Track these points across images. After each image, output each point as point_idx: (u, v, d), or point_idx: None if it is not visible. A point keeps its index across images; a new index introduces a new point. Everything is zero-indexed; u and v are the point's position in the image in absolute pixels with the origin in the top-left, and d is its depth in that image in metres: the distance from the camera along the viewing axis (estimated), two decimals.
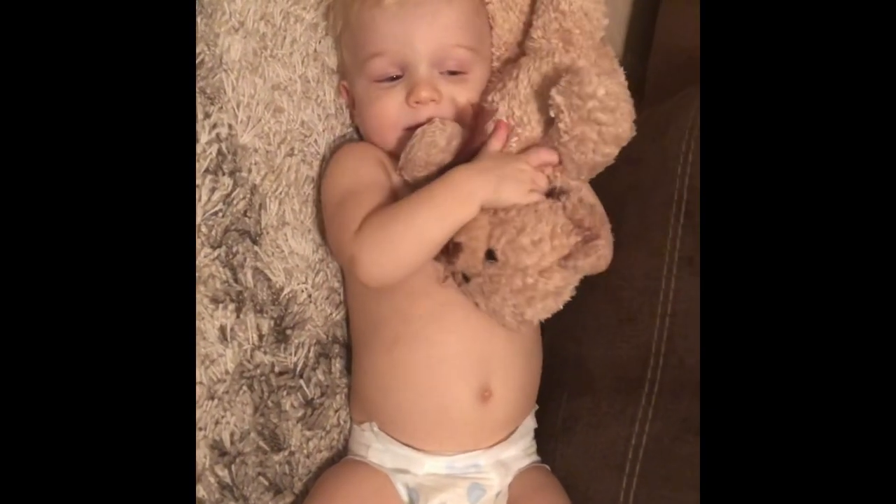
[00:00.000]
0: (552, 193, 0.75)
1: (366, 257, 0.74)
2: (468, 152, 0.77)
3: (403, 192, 0.80)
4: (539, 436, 0.86)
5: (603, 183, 0.79)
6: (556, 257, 0.73)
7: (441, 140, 0.76)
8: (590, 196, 0.77)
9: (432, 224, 0.73)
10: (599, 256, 0.72)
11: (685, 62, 1.01)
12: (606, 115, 0.70)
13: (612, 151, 0.73)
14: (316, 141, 0.85)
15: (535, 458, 0.84)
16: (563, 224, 0.73)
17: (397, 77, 0.81)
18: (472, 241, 0.73)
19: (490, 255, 0.73)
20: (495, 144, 0.76)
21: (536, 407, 0.86)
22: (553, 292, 0.74)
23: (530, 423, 0.85)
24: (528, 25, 0.81)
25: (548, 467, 0.84)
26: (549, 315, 0.77)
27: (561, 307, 0.76)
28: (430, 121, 0.78)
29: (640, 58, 1.10)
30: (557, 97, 0.71)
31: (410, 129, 0.79)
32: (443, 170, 0.77)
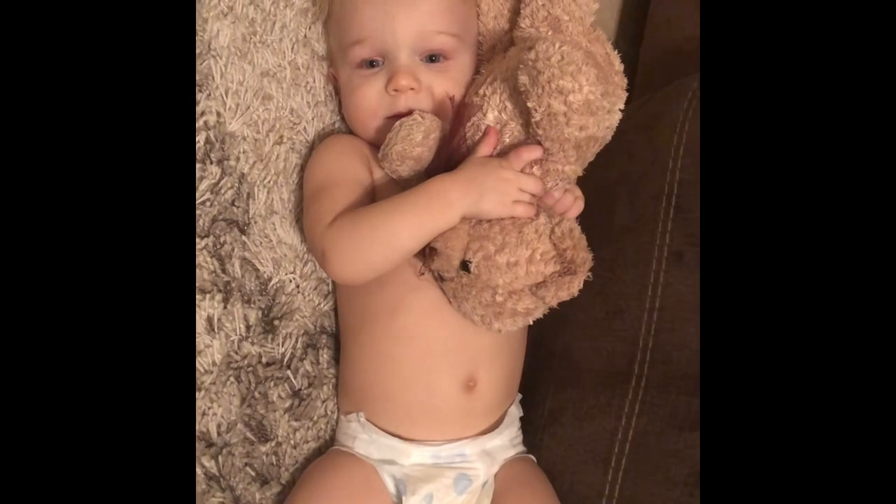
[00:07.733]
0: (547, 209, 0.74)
1: (336, 256, 0.73)
2: (450, 147, 0.76)
3: (384, 188, 0.79)
4: (525, 426, 0.86)
5: (594, 174, 0.78)
6: (528, 282, 0.72)
7: (417, 134, 0.75)
8: (577, 229, 0.74)
9: (405, 231, 0.72)
10: (571, 294, 0.71)
11: (677, 52, 1.00)
12: (568, 80, 0.65)
13: (587, 122, 0.68)
14: (305, 129, 0.84)
15: (522, 448, 0.85)
16: (544, 251, 0.72)
17: (378, 64, 0.80)
18: (448, 249, 0.72)
19: (464, 266, 0.73)
20: (484, 150, 0.75)
21: (520, 396, 0.87)
22: (522, 312, 0.74)
23: (515, 413, 0.85)
24: (516, 14, 0.79)
25: (533, 458, 0.85)
26: (518, 328, 0.77)
27: (531, 322, 0.77)
28: (409, 113, 0.77)
29: (632, 44, 1.09)
30: (521, 76, 0.68)
31: (390, 119, 0.78)
32: (424, 164, 0.76)
